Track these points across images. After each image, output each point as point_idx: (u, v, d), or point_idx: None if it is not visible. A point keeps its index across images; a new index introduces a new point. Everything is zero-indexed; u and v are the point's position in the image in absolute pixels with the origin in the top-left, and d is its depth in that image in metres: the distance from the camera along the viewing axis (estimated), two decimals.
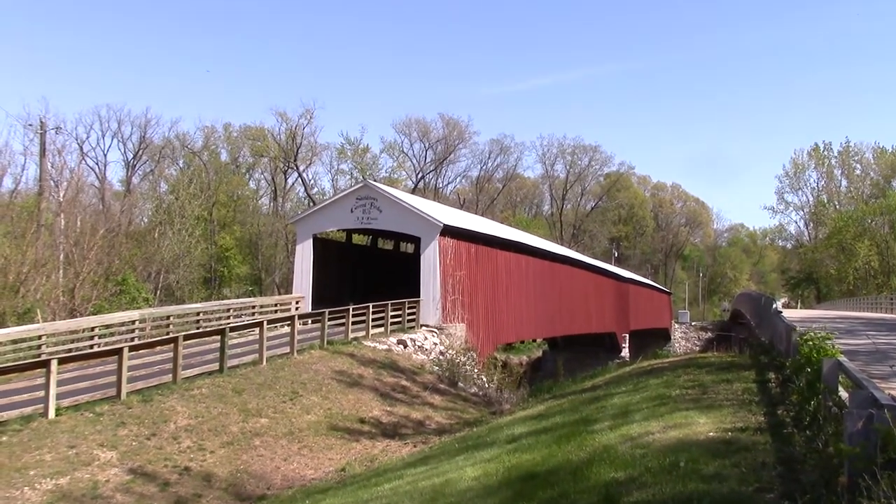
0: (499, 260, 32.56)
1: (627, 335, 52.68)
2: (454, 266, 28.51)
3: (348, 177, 68.19)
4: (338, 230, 35.06)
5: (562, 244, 70.10)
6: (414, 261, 30.39)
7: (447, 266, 28.03)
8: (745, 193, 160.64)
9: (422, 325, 27.04)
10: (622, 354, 49.40)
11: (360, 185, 30.26)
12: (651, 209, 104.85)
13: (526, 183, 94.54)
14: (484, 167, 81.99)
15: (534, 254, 36.82)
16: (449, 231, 28.24)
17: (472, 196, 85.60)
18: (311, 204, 59.68)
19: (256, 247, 62.22)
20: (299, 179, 67.72)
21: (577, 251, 63.91)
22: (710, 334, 65.31)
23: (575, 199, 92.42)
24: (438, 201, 64.65)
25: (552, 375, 34.49)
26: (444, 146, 74.66)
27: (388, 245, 42.99)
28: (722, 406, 9.95)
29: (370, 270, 36.05)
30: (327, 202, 30.84)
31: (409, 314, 26.68)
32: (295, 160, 64.03)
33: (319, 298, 29.04)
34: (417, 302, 27.25)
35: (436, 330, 26.82)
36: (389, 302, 25.70)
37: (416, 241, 32.89)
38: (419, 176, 73.95)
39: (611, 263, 68.71)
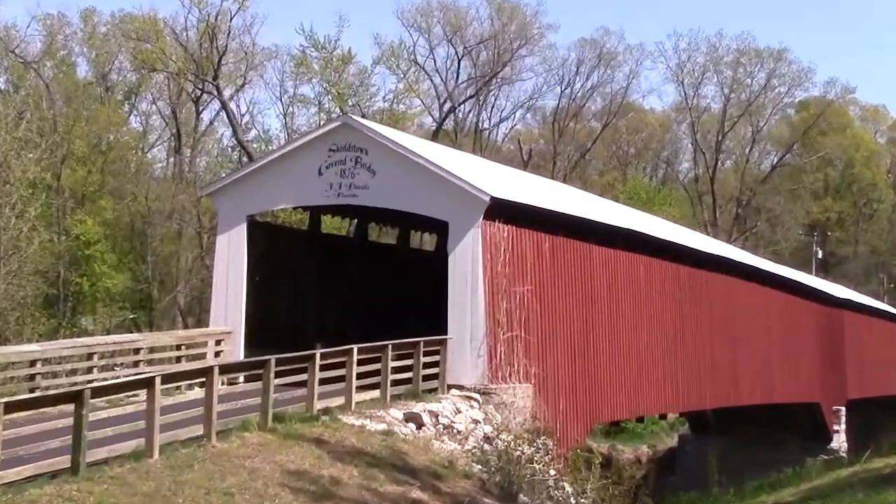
0: (596, 263, 32.60)
1: (843, 409, 52.10)
2: (511, 275, 28.57)
3: (313, 110, 68.80)
4: (294, 208, 35.33)
5: (715, 236, 69.61)
6: (436, 266, 30.39)
7: (498, 275, 28.10)
8: None
9: (451, 387, 27.10)
10: (832, 445, 49.03)
11: (336, 123, 30.47)
12: (888, 169, 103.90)
13: (646, 120, 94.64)
14: (567, 92, 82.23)
15: (662, 253, 36.71)
16: (502, 209, 28.29)
17: (544, 146, 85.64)
18: (245, 160, 60.05)
19: (144, 239, 63.05)
20: (223, 115, 68.51)
21: (744, 249, 63.47)
22: None
23: (740, 151, 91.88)
24: (483, 155, 64.49)
25: (697, 482, 34.18)
26: (493, 53, 74.89)
27: (386, 236, 43.26)
28: None
29: (355, 283, 36.28)
30: (274, 156, 31.09)
31: (428, 365, 26.79)
32: (215, 78, 64.57)
33: (260, 334, 29.38)
34: (442, 343, 27.33)
35: (476, 396, 26.91)
36: (390, 343, 25.76)
37: (439, 228, 32.76)
38: (446, 108, 74.26)
39: (810, 273, 68.16)
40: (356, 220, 39.80)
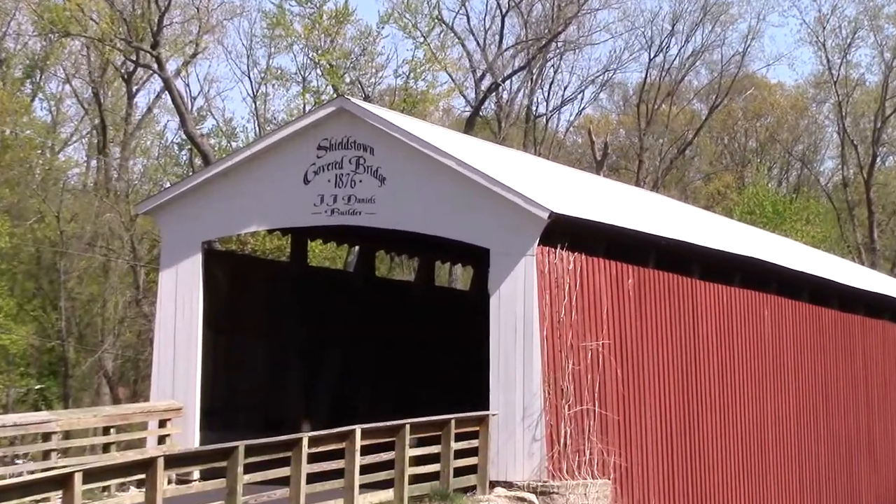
0: (703, 306, 32.76)
1: None
2: (580, 324, 28.62)
3: (294, 90, 69.41)
4: (270, 231, 35.27)
5: (873, 265, 69.36)
6: (472, 311, 30.65)
7: (561, 324, 28.09)
8: None
9: (495, 484, 27.14)
10: None
11: (329, 108, 30.48)
12: None
13: (773, 101, 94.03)
14: (658, 61, 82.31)
15: (797, 290, 36.92)
16: (566, 230, 28.35)
17: (625, 138, 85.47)
18: (199, 163, 60.36)
19: (55, 277, 63.34)
20: (166, 98, 68.80)
21: None
22: None
23: None
24: (539, 152, 64.38)
25: None
26: (552, 6, 74.60)
27: (401, 269, 43.20)
28: None
29: (357, 337, 36.49)
30: (241, 157, 31.05)
31: (463, 453, 26.78)
32: (154, 46, 64.75)
33: (224, 411, 29.74)
34: (483, 421, 27.35)
35: (531, 497, 26.85)
36: (407, 422, 25.82)
37: (476, 258, 32.97)
38: (485, 86, 73.92)
39: None
40: (358, 248, 39.91)
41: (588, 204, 32.11)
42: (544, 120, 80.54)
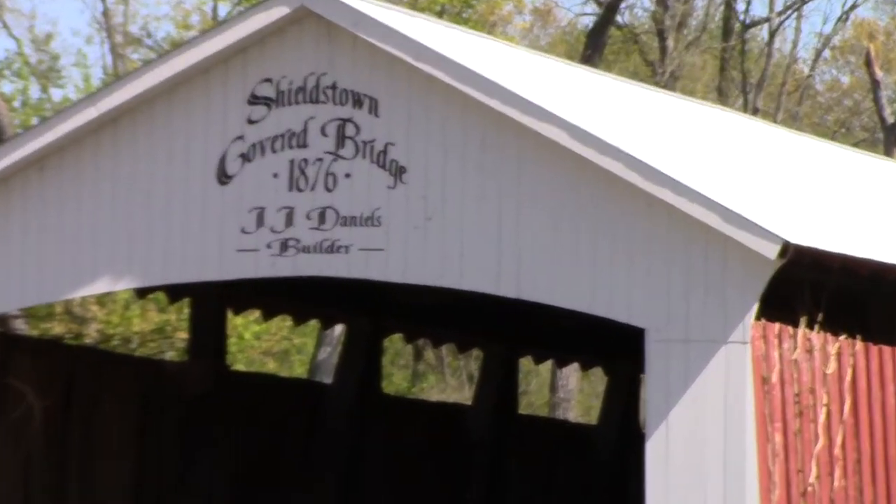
0: None
1: None
2: (851, 494, 28.37)
3: None
4: (139, 292, 36.70)
5: None
6: (601, 467, 32.03)
7: (809, 497, 27.62)
8: None
9: None
10: None
11: (278, 8, 30.03)
12: None
13: None
14: None
15: None
16: (818, 283, 27.98)
17: None
18: None
19: None
20: None
21: None
22: None
23: None
24: (752, 105, 65.38)
25: None
26: None
27: (439, 380, 43.04)
28: None
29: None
30: (74, 126, 30.83)
31: None
32: None
33: None
34: None
35: None
36: None
37: (611, 350, 35.34)
38: None
39: None
40: (345, 328, 40.87)
41: (867, 227, 31.22)
42: (766, 34, 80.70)
